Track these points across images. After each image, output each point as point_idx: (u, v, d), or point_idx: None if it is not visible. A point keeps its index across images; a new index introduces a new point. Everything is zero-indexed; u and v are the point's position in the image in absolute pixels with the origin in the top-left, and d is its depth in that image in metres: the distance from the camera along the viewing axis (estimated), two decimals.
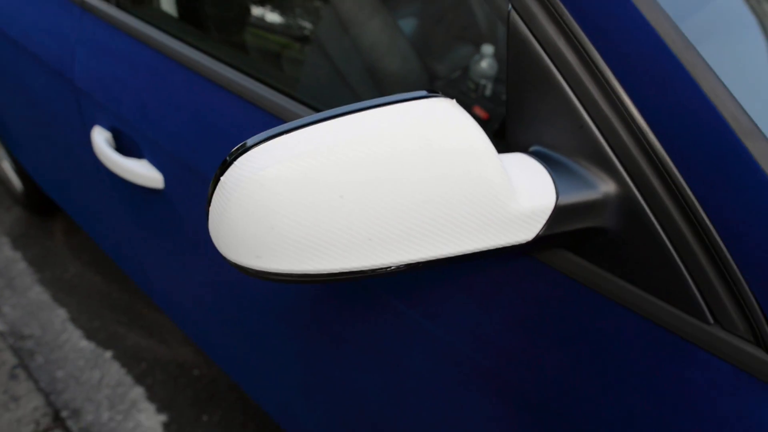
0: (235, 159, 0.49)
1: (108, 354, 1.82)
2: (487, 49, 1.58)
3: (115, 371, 1.77)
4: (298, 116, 0.79)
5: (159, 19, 1.07)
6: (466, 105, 1.64)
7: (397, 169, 0.48)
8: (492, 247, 0.53)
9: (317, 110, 0.81)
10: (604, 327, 0.58)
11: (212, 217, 0.51)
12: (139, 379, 1.74)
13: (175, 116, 0.94)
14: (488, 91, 1.64)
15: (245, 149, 0.49)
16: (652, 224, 0.54)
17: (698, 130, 0.51)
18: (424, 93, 0.51)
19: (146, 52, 1.01)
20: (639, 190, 0.54)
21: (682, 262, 0.53)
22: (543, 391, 0.61)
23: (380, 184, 0.48)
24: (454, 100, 0.52)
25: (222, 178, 0.49)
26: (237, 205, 0.48)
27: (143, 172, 1.02)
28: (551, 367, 0.61)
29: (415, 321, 0.72)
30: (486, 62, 1.62)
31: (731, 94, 0.52)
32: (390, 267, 0.52)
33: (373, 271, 0.52)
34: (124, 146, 1.09)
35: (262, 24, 1.19)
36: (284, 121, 0.81)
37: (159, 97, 0.97)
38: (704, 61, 0.53)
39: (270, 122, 0.82)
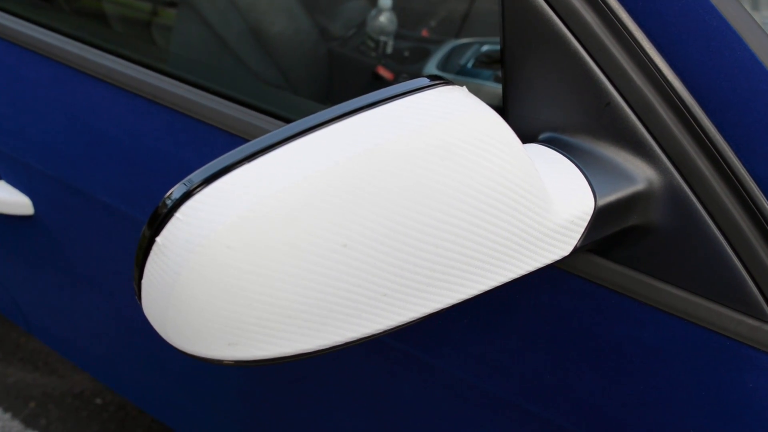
0: (175, 209, 0.33)
1: None
2: (385, 2, 1.47)
3: None
4: (210, 110, 0.61)
5: None
6: (368, 65, 1.51)
7: (414, 196, 0.35)
8: (526, 272, 0.42)
9: (224, 97, 0.63)
10: (644, 338, 0.49)
11: (149, 294, 0.35)
12: (29, 422, 1.51)
13: (41, 124, 0.72)
14: (389, 49, 1.53)
15: (190, 192, 0.33)
16: (700, 214, 0.45)
17: (752, 98, 0.42)
18: (426, 81, 0.38)
19: None
20: (683, 176, 0.45)
21: (736, 254, 0.45)
22: (579, 419, 0.52)
23: (394, 220, 0.35)
24: (465, 87, 0.39)
25: (159, 240, 0.33)
26: (191, 280, 0.32)
27: (2, 197, 0.79)
28: (585, 390, 0.51)
29: (404, 354, 0.59)
30: (385, 17, 1.51)
31: None
32: (409, 322, 0.38)
33: (385, 331, 0.38)
34: None
35: None
36: (191, 118, 0.63)
37: (12, 101, 0.74)
38: (749, 15, 0.43)
39: (173, 119, 0.63)
